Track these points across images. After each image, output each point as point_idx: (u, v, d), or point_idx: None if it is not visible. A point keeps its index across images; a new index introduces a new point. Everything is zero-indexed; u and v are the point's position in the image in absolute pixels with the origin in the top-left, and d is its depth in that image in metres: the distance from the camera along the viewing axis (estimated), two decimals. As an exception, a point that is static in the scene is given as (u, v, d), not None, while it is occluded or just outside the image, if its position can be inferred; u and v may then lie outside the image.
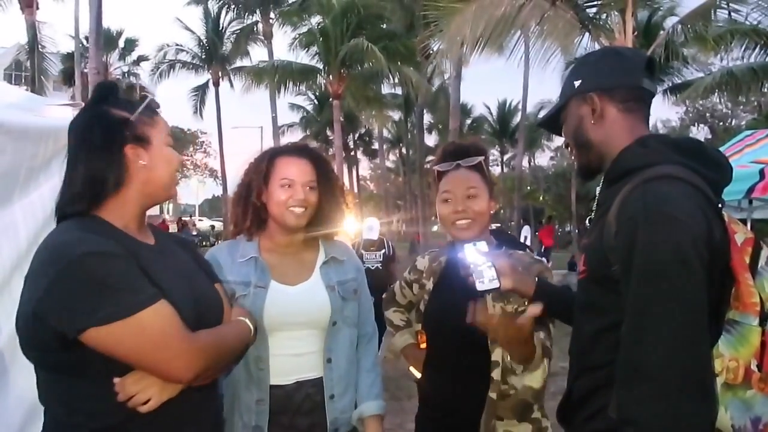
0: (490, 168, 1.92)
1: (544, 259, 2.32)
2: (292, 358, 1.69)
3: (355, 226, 6.70)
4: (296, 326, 1.71)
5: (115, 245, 1.23)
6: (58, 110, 2.99)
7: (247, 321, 1.47)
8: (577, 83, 1.38)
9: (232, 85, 27.50)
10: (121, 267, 1.19)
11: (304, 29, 20.35)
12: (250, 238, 1.78)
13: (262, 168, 1.75)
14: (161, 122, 1.39)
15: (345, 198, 1.88)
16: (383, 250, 6.39)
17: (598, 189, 1.46)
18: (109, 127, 1.30)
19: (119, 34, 28.67)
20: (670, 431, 1.03)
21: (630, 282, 1.11)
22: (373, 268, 6.01)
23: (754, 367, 1.11)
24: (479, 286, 1.46)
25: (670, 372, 1.04)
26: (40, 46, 17.44)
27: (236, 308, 1.52)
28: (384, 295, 2.25)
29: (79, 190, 1.28)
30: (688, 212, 1.11)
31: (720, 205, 1.21)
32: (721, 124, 27.78)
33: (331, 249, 1.84)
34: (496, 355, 1.70)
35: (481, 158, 1.85)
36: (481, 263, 1.47)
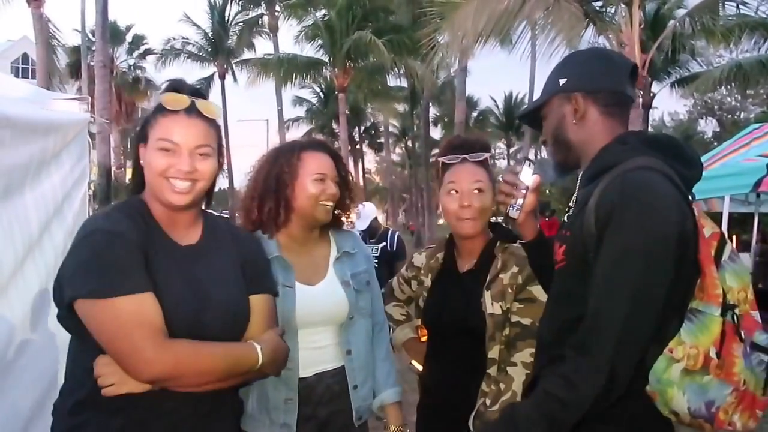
0: (495, 164, 1.93)
1: None
2: (312, 351, 1.71)
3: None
4: (317, 324, 1.73)
5: (131, 229, 1.27)
6: (65, 104, 3.01)
7: (258, 349, 1.34)
8: (562, 81, 1.40)
9: (235, 79, 27.49)
10: (122, 248, 1.23)
11: (310, 22, 20.28)
12: (272, 234, 1.75)
13: (293, 161, 1.74)
14: (158, 123, 1.34)
15: (356, 193, 1.90)
16: (383, 244, 5.18)
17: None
18: (141, 124, 1.41)
19: (128, 28, 28.73)
20: (573, 389, 1.16)
21: (599, 260, 1.19)
22: None
23: (713, 354, 1.18)
24: (509, 211, 1.52)
25: (625, 333, 1.15)
26: (57, 40, 17.53)
27: (269, 332, 1.43)
28: (382, 291, 2.24)
29: (132, 178, 1.44)
30: (663, 201, 1.18)
31: (690, 199, 1.27)
32: (729, 116, 27.54)
33: (342, 242, 1.85)
34: (493, 352, 1.72)
35: (488, 154, 1.86)
36: (523, 188, 1.51)
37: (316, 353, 1.72)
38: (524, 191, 1.51)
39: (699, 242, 1.23)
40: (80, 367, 1.29)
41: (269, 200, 1.73)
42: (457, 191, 1.79)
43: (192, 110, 1.35)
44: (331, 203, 1.75)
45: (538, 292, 1.71)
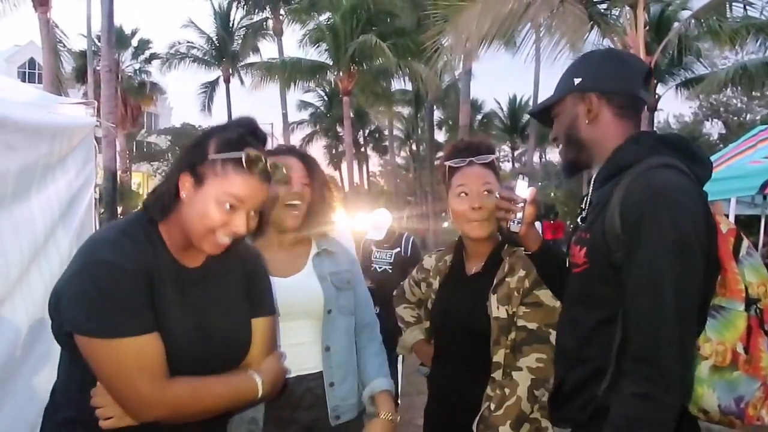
0: (500, 167, 1.93)
1: None
2: (290, 348, 1.68)
3: (356, 221, 5.20)
4: (292, 316, 1.72)
5: (137, 259, 1.20)
6: (71, 108, 3.02)
7: (258, 381, 1.30)
8: (577, 81, 1.40)
9: (243, 82, 27.55)
10: (127, 285, 1.17)
11: (314, 26, 20.34)
12: (252, 240, 1.74)
13: None
14: (230, 178, 1.23)
15: (333, 196, 1.90)
16: (397, 249, 4.88)
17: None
18: (192, 149, 1.30)
19: (133, 33, 28.86)
20: (677, 375, 1.12)
21: (637, 263, 1.17)
22: (380, 270, 4.67)
23: (740, 349, 1.18)
24: (510, 226, 1.52)
25: (679, 344, 1.13)
26: (63, 45, 17.62)
27: (269, 359, 1.39)
28: (394, 293, 2.25)
29: (152, 196, 1.31)
30: (690, 197, 1.19)
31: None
32: (735, 118, 27.42)
33: (323, 242, 1.86)
34: (498, 356, 1.71)
35: (494, 156, 1.86)
36: (521, 202, 1.52)
37: (294, 351, 1.69)
38: (522, 205, 1.51)
39: (718, 238, 1.24)
40: (74, 383, 1.26)
41: None
42: (467, 193, 1.79)
43: (264, 174, 1.27)
44: (297, 202, 1.75)
45: (545, 296, 1.71)
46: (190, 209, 1.25)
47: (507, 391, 1.66)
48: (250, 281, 1.42)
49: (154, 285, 1.22)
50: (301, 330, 1.74)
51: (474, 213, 1.77)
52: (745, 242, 1.28)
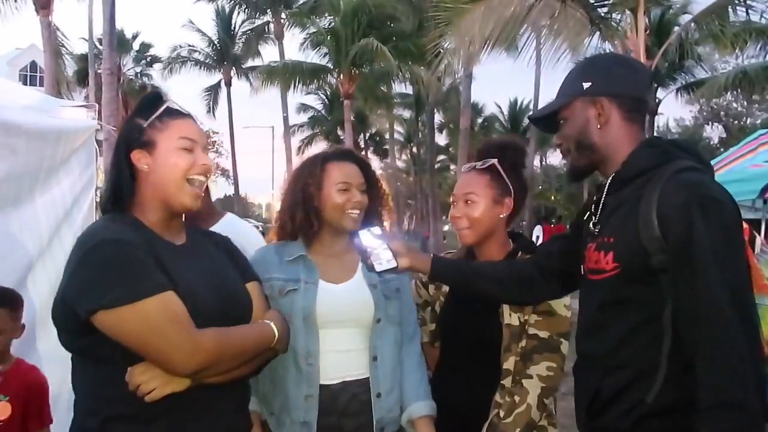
0: (518, 166, 1.86)
1: None
2: (338, 354, 1.70)
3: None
4: (342, 324, 1.72)
5: (134, 235, 1.27)
6: (73, 111, 3.03)
7: (273, 325, 1.41)
8: (586, 85, 1.39)
9: (251, 84, 27.58)
10: (134, 254, 1.23)
11: (314, 30, 20.36)
12: (308, 244, 1.78)
13: (316, 173, 1.77)
14: (175, 126, 1.37)
15: (388, 199, 1.91)
16: None
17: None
18: (125, 134, 1.39)
19: (135, 36, 28.95)
20: (760, 402, 1.11)
21: (692, 266, 1.17)
22: None
23: None
24: (378, 267, 1.56)
25: (749, 346, 1.12)
26: (65, 48, 17.65)
27: (271, 311, 1.51)
28: None
29: (107, 190, 1.40)
30: (726, 196, 1.22)
31: None
32: (735, 122, 27.42)
33: None
34: (508, 363, 1.70)
35: (493, 161, 1.80)
36: (377, 246, 1.56)
37: (340, 357, 1.69)
38: (376, 249, 1.56)
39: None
40: (100, 393, 1.28)
41: (299, 212, 1.76)
42: (454, 202, 1.83)
43: (191, 115, 1.43)
44: (357, 211, 1.76)
45: (557, 305, 1.71)
46: (157, 173, 1.35)
47: (517, 398, 1.66)
48: (230, 254, 1.53)
49: (155, 256, 1.27)
50: (348, 337, 1.72)
51: (456, 221, 1.81)
52: (758, 240, 1.31)
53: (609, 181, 1.39)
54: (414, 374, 1.79)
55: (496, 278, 1.62)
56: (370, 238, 1.57)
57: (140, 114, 1.39)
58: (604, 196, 1.40)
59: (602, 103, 1.37)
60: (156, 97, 1.43)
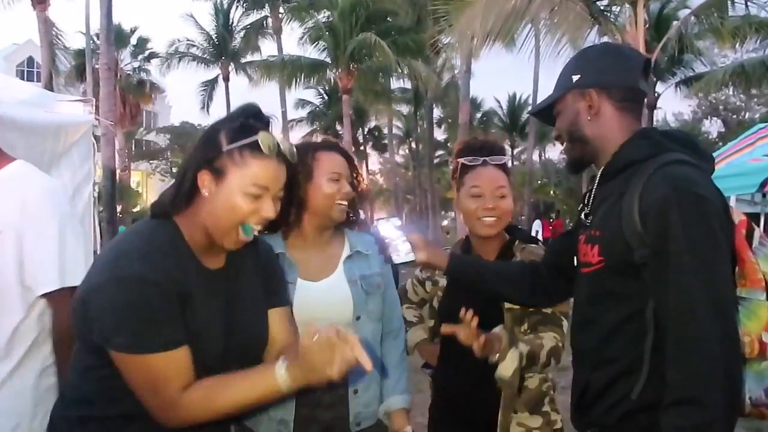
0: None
1: None
2: None
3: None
4: (320, 322, 1.70)
5: (168, 272, 1.20)
6: (70, 106, 3.02)
7: (280, 372, 1.16)
8: (575, 77, 1.39)
9: (250, 78, 27.52)
10: (157, 299, 1.17)
11: (312, 24, 20.32)
12: (285, 235, 1.74)
13: (308, 161, 1.72)
14: (253, 167, 1.22)
15: (369, 194, 1.91)
16: None
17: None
18: (205, 143, 1.27)
19: (132, 31, 28.86)
20: (724, 402, 1.09)
21: (669, 262, 1.15)
22: None
23: (767, 339, 1.18)
24: (396, 259, 1.55)
25: (721, 344, 1.10)
26: (62, 43, 17.62)
27: (295, 343, 1.26)
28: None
29: (166, 195, 1.30)
30: (710, 191, 1.19)
31: None
32: (734, 116, 27.45)
33: (357, 242, 1.83)
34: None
35: (507, 158, 1.88)
36: (396, 237, 1.55)
37: None
38: (395, 240, 1.55)
39: (734, 230, 1.24)
40: (90, 381, 1.27)
41: (289, 201, 1.72)
42: (481, 194, 1.80)
43: (281, 155, 1.26)
44: (345, 202, 1.74)
45: None
46: (215, 205, 1.23)
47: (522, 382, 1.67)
48: (267, 274, 1.43)
49: (183, 294, 1.22)
50: None
51: (487, 213, 1.79)
52: (757, 232, 1.28)
53: (600, 172, 1.39)
54: (396, 369, 1.82)
55: (512, 280, 1.63)
56: (389, 229, 1.55)
57: (230, 128, 1.25)
58: (595, 187, 1.40)
59: (591, 95, 1.36)
60: (253, 116, 1.27)
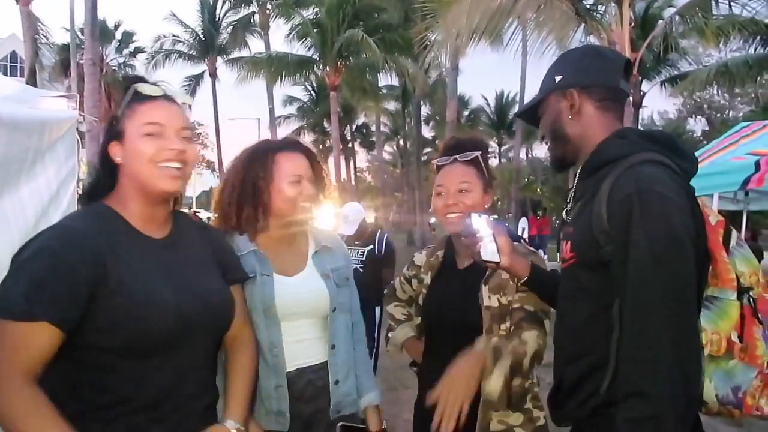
0: (488, 161, 1.94)
1: (540, 251, 2.35)
2: (297, 344, 1.71)
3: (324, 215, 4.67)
4: (302, 315, 1.73)
5: (81, 251, 1.19)
6: (53, 102, 2.99)
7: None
8: (557, 78, 1.42)
9: (238, 75, 27.31)
10: (59, 272, 1.15)
11: (299, 21, 20.21)
12: (251, 237, 1.73)
13: (267, 165, 1.72)
14: (140, 111, 1.31)
15: (329, 189, 1.88)
16: (369, 247, 4.55)
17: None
18: (105, 127, 1.37)
19: (117, 26, 28.52)
20: (670, 397, 1.09)
21: (628, 259, 1.17)
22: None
23: (735, 338, 1.19)
24: (482, 256, 1.51)
25: (672, 340, 1.11)
26: (43, 37, 17.37)
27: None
28: (385, 292, 2.27)
29: (89, 183, 1.39)
30: (675, 191, 1.19)
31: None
32: (718, 115, 27.76)
33: (321, 238, 1.85)
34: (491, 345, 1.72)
35: (478, 153, 1.87)
36: (486, 235, 1.51)
37: (296, 347, 1.71)
38: (484, 236, 1.51)
39: (707, 230, 1.25)
40: (64, 381, 1.23)
41: (247, 206, 1.72)
42: (443, 192, 1.84)
43: (167, 96, 1.36)
44: (309, 203, 1.75)
45: None
46: (128, 161, 1.31)
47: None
48: (218, 249, 1.49)
49: (108, 264, 1.21)
50: (306, 327, 1.74)
51: (448, 209, 1.82)
52: (734, 233, 1.29)
53: (578, 171, 1.42)
54: (365, 364, 1.87)
55: None
56: (482, 224, 1.52)
57: (118, 104, 1.36)
58: (574, 185, 1.43)
59: (572, 94, 1.39)
60: (130, 82, 1.37)
